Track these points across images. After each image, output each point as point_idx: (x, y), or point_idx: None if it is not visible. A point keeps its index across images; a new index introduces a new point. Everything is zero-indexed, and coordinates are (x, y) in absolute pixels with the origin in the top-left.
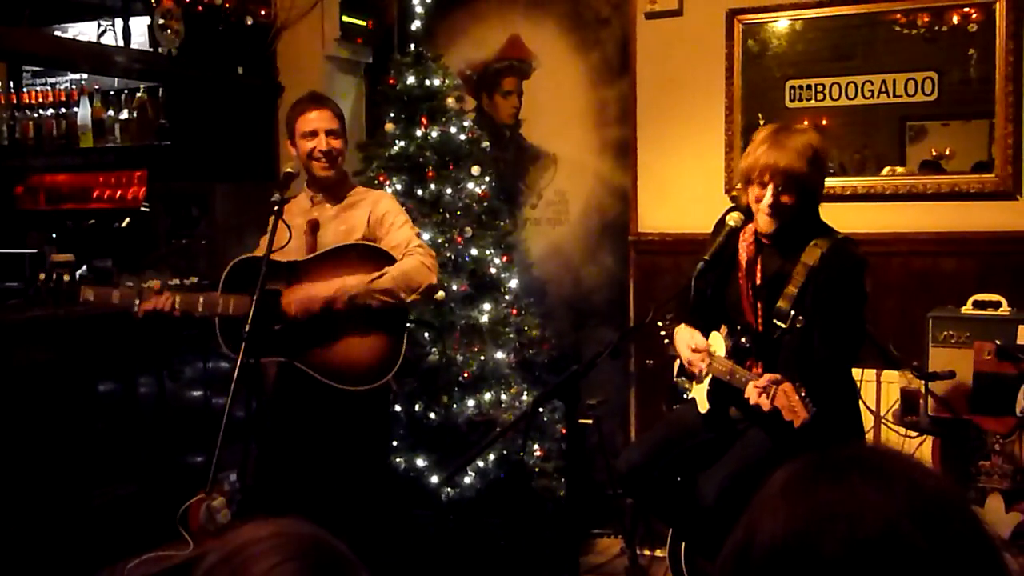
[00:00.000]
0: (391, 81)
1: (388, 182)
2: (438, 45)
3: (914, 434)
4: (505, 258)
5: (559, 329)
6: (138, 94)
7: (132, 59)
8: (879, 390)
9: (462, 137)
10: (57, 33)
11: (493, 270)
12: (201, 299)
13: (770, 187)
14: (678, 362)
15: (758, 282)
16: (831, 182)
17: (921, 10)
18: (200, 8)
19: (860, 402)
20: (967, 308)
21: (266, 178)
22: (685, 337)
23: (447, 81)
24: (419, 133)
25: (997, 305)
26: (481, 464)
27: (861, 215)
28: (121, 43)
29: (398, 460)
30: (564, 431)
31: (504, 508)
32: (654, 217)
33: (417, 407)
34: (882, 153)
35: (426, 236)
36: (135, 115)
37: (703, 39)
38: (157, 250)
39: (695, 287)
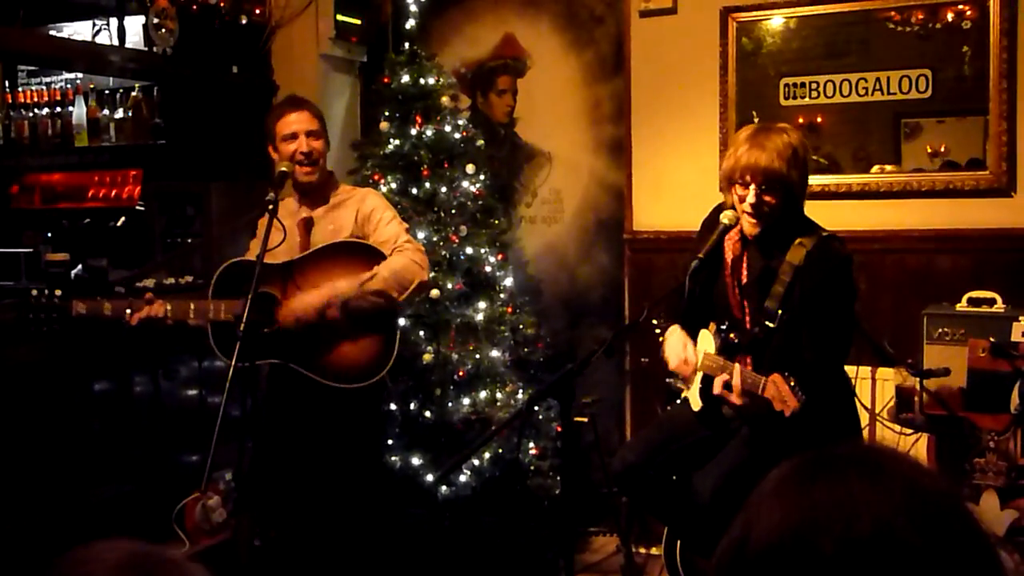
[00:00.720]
0: (386, 80)
1: (383, 181)
2: (432, 44)
3: (909, 431)
4: (500, 256)
5: (554, 327)
6: (133, 93)
7: (127, 58)
8: (874, 387)
9: (457, 136)
10: (52, 32)
11: (488, 268)
12: (192, 306)
13: (752, 187)
14: None
15: (744, 280)
16: (826, 179)
17: (915, 7)
18: (195, 7)
19: (855, 399)
20: (962, 305)
21: (260, 177)
22: (676, 347)
23: (441, 80)
24: (414, 132)
25: (992, 302)
26: (476, 463)
27: (856, 212)
28: (116, 42)
29: (393, 459)
30: (559, 429)
31: (499, 506)
32: (649, 215)
33: (412, 405)
34: (877, 150)
35: (421, 235)
36: (130, 114)
37: (697, 37)
38: (154, 253)
39: (690, 285)
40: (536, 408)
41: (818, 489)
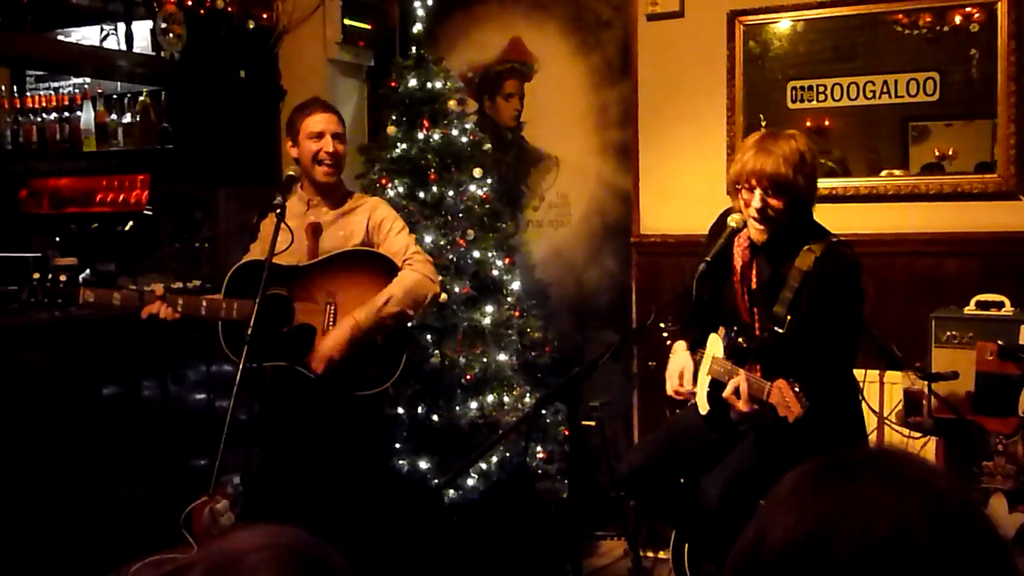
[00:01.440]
0: (393, 84)
1: (390, 185)
2: (439, 48)
3: (917, 435)
4: (507, 260)
5: (561, 331)
6: (141, 98)
7: (135, 63)
8: (882, 391)
9: (464, 140)
10: (60, 38)
11: (495, 272)
12: (204, 303)
13: (757, 191)
14: None
15: (753, 286)
16: (834, 183)
17: (923, 10)
18: (202, 12)
19: (863, 403)
20: (970, 308)
21: (268, 181)
22: (673, 373)
23: (449, 84)
24: (421, 136)
25: (1000, 305)
26: (484, 466)
27: (864, 216)
28: (124, 47)
29: (401, 463)
30: (567, 433)
31: (507, 510)
32: (656, 219)
33: (419, 409)
34: (885, 154)
35: (428, 239)
36: (138, 119)
37: (704, 40)
38: (159, 252)
39: (697, 289)
40: (543, 412)
41: (834, 493)
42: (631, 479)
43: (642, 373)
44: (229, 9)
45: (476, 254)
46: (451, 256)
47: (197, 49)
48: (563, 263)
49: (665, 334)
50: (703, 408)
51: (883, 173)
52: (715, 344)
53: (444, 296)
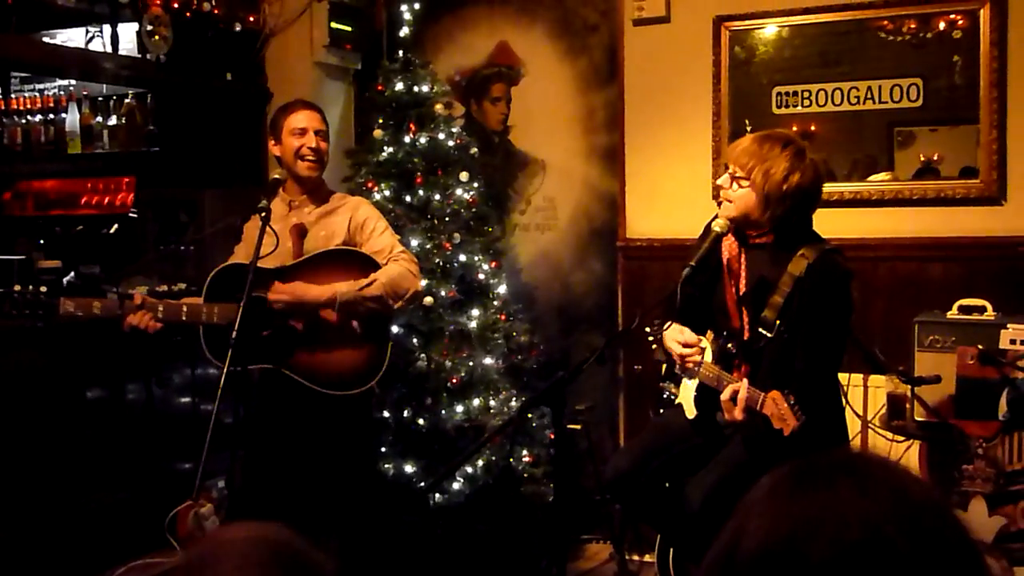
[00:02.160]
0: (379, 87)
1: (376, 188)
2: (427, 51)
3: (901, 438)
4: (494, 264)
5: (548, 335)
6: (126, 100)
7: (120, 65)
8: (866, 395)
9: (450, 143)
10: (45, 40)
11: (482, 276)
12: (185, 307)
13: (727, 172)
14: (664, 366)
15: (742, 289)
16: None
17: (907, 17)
18: (188, 14)
19: (847, 407)
20: (952, 313)
21: (254, 184)
22: (675, 334)
23: (435, 87)
24: (407, 139)
25: (982, 310)
26: (470, 470)
27: (849, 220)
28: (109, 49)
29: (387, 466)
30: (552, 437)
31: (493, 514)
32: (642, 223)
33: (405, 413)
34: (870, 159)
35: (414, 242)
36: (123, 121)
37: (690, 46)
38: (145, 256)
39: (681, 293)
40: (529, 415)
41: (808, 496)
42: (616, 483)
43: (628, 376)
44: (215, 11)
45: (462, 258)
46: (437, 260)
47: (183, 51)
48: (549, 267)
49: (651, 338)
50: (690, 412)
51: (875, 178)
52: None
53: (430, 300)
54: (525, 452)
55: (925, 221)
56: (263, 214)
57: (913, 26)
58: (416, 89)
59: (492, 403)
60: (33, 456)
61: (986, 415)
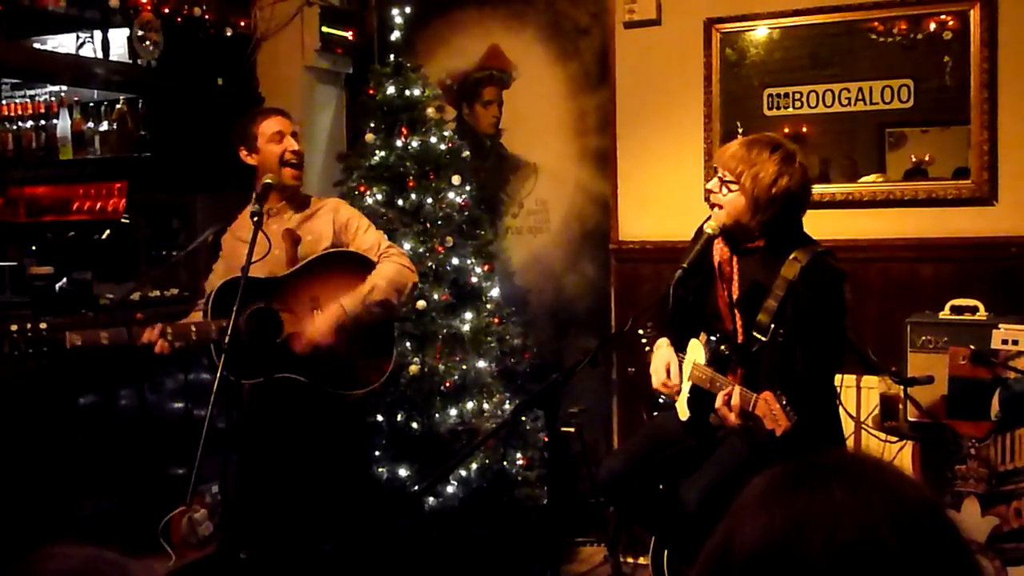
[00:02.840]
0: (371, 91)
1: (368, 192)
2: (418, 55)
3: (894, 439)
4: (486, 267)
5: (541, 338)
6: (118, 106)
7: (111, 71)
8: (859, 396)
9: (442, 147)
10: (36, 45)
11: (474, 279)
12: (193, 328)
13: (717, 176)
14: None
15: (735, 293)
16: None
17: (898, 18)
18: (179, 20)
19: (840, 408)
20: (945, 313)
21: (245, 189)
22: (659, 367)
23: (427, 91)
24: (399, 143)
25: (974, 310)
26: (463, 473)
27: (841, 221)
28: (100, 55)
29: (380, 470)
30: (546, 440)
31: (487, 517)
32: (634, 225)
33: (399, 417)
34: (862, 160)
35: (407, 246)
36: (115, 127)
37: (681, 48)
38: (139, 266)
39: (674, 295)
40: (523, 418)
41: (801, 497)
42: (610, 485)
43: (621, 379)
44: (206, 16)
45: (455, 261)
46: (430, 263)
47: (174, 57)
48: (542, 270)
49: (644, 340)
50: (683, 415)
51: (868, 179)
52: (696, 350)
53: (423, 303)
54: (519, 455)
55: (917, 222)
56: (255, 218)
57: (903, 27)
58: (408, 93)
59: (485, 406)
60: (26, 461)
61: (978, 415)
